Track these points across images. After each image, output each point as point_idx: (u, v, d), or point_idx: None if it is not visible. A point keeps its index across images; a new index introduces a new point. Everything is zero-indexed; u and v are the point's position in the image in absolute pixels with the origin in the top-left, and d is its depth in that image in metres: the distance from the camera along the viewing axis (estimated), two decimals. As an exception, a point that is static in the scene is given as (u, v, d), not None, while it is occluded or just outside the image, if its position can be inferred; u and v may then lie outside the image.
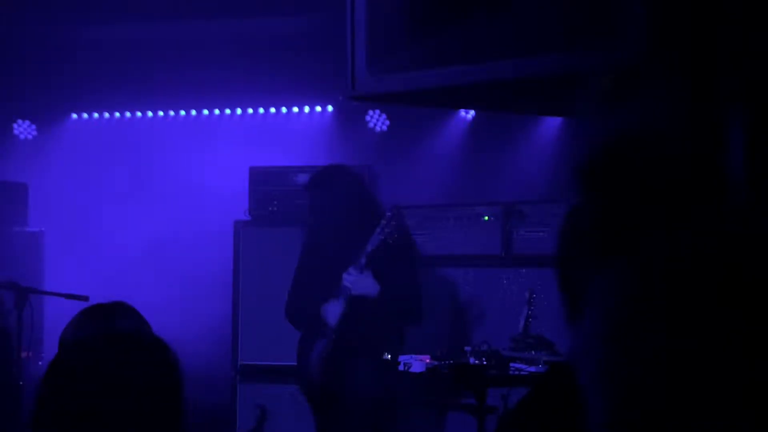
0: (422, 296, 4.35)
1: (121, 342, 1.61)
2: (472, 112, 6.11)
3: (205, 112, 6.73)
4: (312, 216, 4.36)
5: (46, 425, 1.54)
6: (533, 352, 4.28)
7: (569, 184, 1.06)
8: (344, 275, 4.21)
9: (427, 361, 4.29)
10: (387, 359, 4.26)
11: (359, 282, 4.20)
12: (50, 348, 5.87)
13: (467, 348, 4.39)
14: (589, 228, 1.06)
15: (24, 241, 6.18)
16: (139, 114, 6.86)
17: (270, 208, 5.55)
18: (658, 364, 0.79)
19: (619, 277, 0.84)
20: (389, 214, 4.23)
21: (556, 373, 1.17)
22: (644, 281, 0.82)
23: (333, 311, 4.24)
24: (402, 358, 4.29)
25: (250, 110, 6.62)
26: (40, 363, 5.80)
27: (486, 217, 5.19)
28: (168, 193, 6.58)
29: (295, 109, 6.53)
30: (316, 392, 4.35)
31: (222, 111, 6.69)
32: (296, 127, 6.51)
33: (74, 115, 6.95)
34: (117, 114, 6.91)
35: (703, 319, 0.79)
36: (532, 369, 4.19)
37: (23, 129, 6.91)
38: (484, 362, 4.22)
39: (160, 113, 6.82)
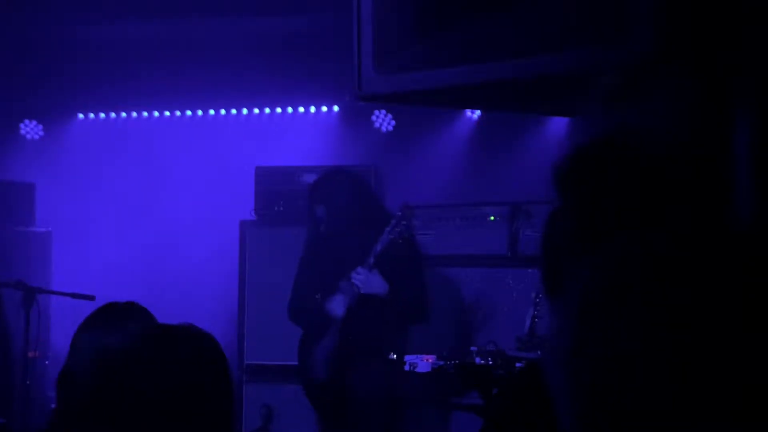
0: (429, 295, 4.36)
1: (176, 337, 1.65)
2: (477, 112, 6.10)
3: (212, 111, 6.74)
4: (315, 222, 4.36)
5: (105, 421, 1.57)
6: (539, 352, 4.27)
7: (550, 184, 1.06)
8: (353, 274, 4.21)
9: (433, 360, 4.29)
10: (393, 359, 4.27)
11: (368, 281, 4.21)
12: (57, 348, 5.88)
13: (473, 348, 4.39)
14: (568, 231, 1.06)
15: (31, 241, 6.19)
16: (145, 114, 6.87)
17: (276, 208, 5.55)
18: (626, 365, 0.78)
19: (590, 274, 0.83)
20: (399, 213, 4.24)
21: (528, 372, 1.17)
22: (615, 280, 0.81)
23: (338, 304, 4.25)
24: (408, 358, 4.29)
25: (256, 110, 6.63)
26: (46, 362, 5.82)
27: (492, 217, 5.18)
28: (174, 193, 6.59)
29: (301, 109, 6.54)
30: (320, 392, 4.35)
31: (228, 111, 6.70)
32: (302, 127, 6.51)
33: (81, 115, 6.96)
34: (123, 114, 6.92)
35: (676, 319, 0.79)
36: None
37: (30, 129, 6.93)
38: (490, 362, 4.22)
39: (167, 113, 6.83)
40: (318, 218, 4.34)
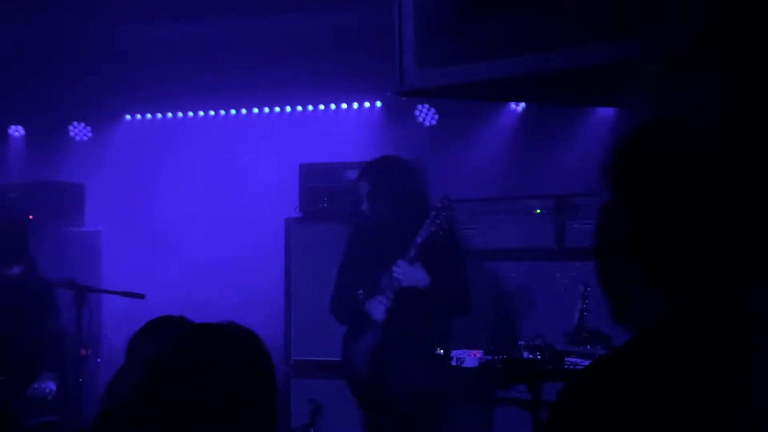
0: (470, 287, 4.32)
1: (218, 336, 1.67)
2: (522, 104, 6.05)
3: (255, 110, 6.78)
4: (361, 206, 4.34)
5: (149, 420, 1.59)
6: (588, 347, 4.22)
7: (600, 180, 1.05)
8: (394, 267, 4.20)
9: (480, 355, 4.27)
10: (440, 354, 4.25)
11: (410, 274, 4.19)
12: (108, 346, 5.97)
13: (521, 342, 4.35)
14: (620, 225, 1.04)
15: (81, 241, 6.29)
16: (190, 114, 6.94)
17: (320, 205, 5.56)
18: None
19: None
20: (440, 205, 4.21)
21: (599, 367, 1.14)
22: None
23: (378, 307, 4.24)
24: (455, 353, 4.27)
25: (300, 108, 6.65)
26: (98, 360, 5.91)
27: (538, 210, 5.14)
28: (220, 192, 6.65)
29: (344, 106, 6.54)
30: (363, 387, 4.36)
31: (272, 109, 6.74)
32: (345, 123, 6.52)
33: (128, 116, 7.06)
34: (169, 114, 7.00)
35: None
36: (588, 363, 4.13)
37: (79, 131, 7.05)
38: (539, 357, 4.19)
39: (211, 113, 6.89)
40: (360, 194, 4.33)
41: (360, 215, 4.35)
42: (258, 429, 1.62)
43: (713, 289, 1.00)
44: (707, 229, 1.00)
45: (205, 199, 6.66)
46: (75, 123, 7.03)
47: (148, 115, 7.04)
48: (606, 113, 5.67)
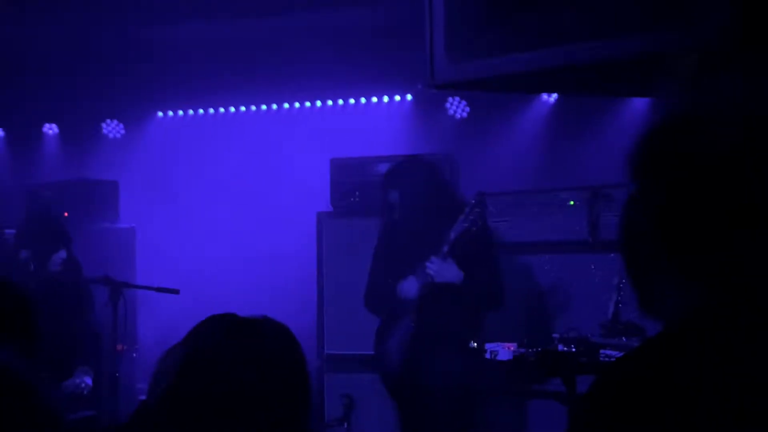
0: (504, 283, 4.32)
1: (251, 330, 1.67)
2: (554, 95, 6.00)
3: (286, 105, 6.80)
4: (389, 208, 4.36)
5: (183, 414, 1.60)
6: (624, 339, 4.19)
7: (626, 171, 1.04)
8: (427, 264, 4.20)
9: (514, 348, 4.25)
10: (473, 347, 4.24)
11: (443, 270, 4.19)
12: (143, 340, 6.03)
13: (555, 335, 4.32)
14: (645, 216, 1.03)
15: (116, 238, 6.35)
16: (222, 110, 6.98)
17: (352, 199, 5.56)
18: None
19: None
20: (473, 201, 4.21)
21: (630, 362, 1.12)
22: None
23: (410, 286, 4.25)
24: (488, 346, 4.25)
25: (330, 102, 6.66)
26: (134, 355, 5.97)
27: (572, 202, 5.09)
28: (252, 187, 6.68)
29: (375, 99, 6.54)
30: (397, 380, 4.36)
31: (302, 104, 6.75)
32: (376, 117, 6.51)
33: (160, 113, 7.11)
34: (201, 110, 7.04)
35: None
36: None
37: (112, 128, 7.11)
38: (573, 349, 4.15)
39: (243, 108, 6.92)
40: (391, 204, 4.34)
41: (391, 218, 4.36)
42: (292, 424, 1.62)
43: (741, 284, 0.99)
44: (733, 225, 0.98)
45: (238, 194, 6.69)
46: (108, 120, 7.09)
47: (180, 112, 7.08)
48: (640, 103, 5.61)
